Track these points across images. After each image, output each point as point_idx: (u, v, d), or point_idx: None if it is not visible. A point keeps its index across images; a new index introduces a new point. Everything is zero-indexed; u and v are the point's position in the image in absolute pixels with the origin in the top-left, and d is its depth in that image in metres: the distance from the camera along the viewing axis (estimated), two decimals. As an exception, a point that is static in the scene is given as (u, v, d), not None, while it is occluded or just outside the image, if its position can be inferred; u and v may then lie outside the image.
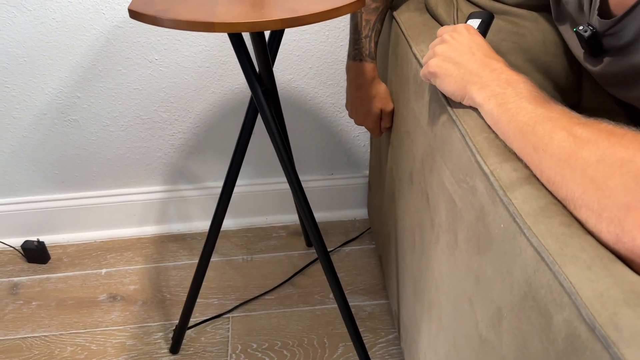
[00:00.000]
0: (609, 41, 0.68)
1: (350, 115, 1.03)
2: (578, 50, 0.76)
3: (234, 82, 1.29)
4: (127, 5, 1.16)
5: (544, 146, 0.51)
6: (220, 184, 0.99)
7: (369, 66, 0.92)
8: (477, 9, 0.88)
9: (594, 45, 0.69)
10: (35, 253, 1.37)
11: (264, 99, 0.87)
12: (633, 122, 0.53)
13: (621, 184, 0.41)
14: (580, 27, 0.70)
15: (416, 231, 0.89)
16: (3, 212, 1.39)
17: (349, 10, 0.69)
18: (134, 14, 0.69)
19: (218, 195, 0.99)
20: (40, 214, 1.41)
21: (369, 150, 1.43)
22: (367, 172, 1.46)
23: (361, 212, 1.51)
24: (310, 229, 0.96)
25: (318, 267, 1.35)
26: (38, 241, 1.37)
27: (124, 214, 1.44)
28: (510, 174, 0.58)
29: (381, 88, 0.96)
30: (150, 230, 1.47)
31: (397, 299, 1.10)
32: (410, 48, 0.87)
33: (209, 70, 1.26)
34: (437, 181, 0.76)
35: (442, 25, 0.90)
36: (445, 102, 0.72)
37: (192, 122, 1.33)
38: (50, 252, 1.41)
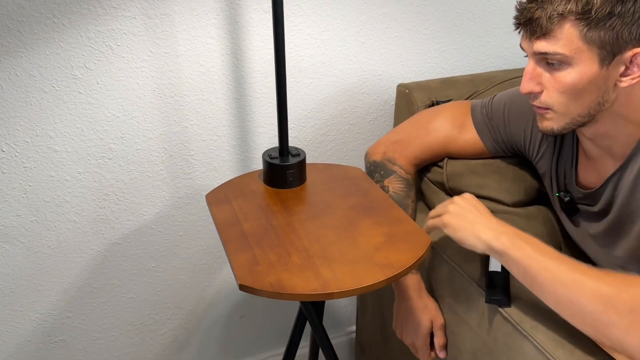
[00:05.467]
0: (583, 207, 0.94)
1: (400, 335, 1.02)
2: (562, 215, 1.01)
3: (228, 272, 1.32)
4: (126, 224, 1.16)
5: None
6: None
7: (414, 277, 0.97)
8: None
9: (571, 208, 0.96)
10: None
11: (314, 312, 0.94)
12: None
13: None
14: (562, 193, 0.97)
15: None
16: None
17: (412, 268, 0.80)
18: (245, 288, 0.73)
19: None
20: None
21: (350, 309, 1.51)
22: (349, 329, 1.53)
23: (345, 368, 1.56)
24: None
25: None
26: None
27: None
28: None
29: (430, 301, 0.98)
30: None
31: None
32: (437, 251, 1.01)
33: (205, 267, 1.28)
34: (505, 381, 0.87)
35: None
36: (509, 317, 0.85)
37: (184, 318, 1.32)
38: None
